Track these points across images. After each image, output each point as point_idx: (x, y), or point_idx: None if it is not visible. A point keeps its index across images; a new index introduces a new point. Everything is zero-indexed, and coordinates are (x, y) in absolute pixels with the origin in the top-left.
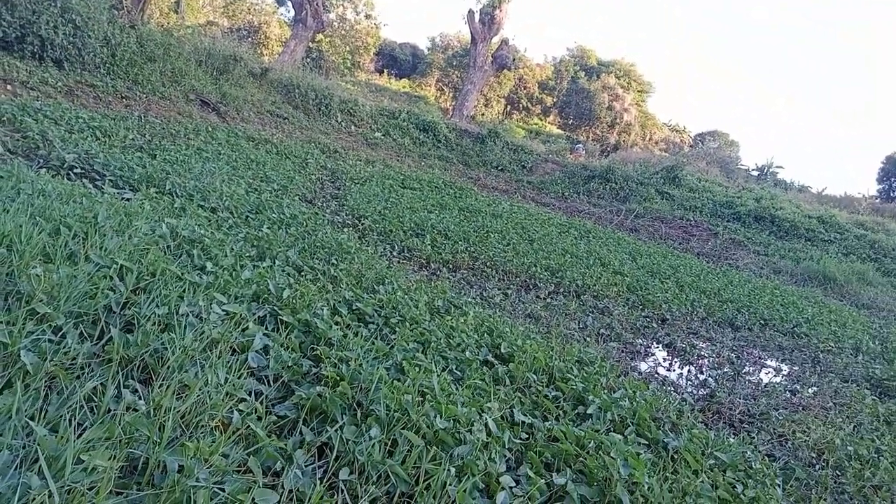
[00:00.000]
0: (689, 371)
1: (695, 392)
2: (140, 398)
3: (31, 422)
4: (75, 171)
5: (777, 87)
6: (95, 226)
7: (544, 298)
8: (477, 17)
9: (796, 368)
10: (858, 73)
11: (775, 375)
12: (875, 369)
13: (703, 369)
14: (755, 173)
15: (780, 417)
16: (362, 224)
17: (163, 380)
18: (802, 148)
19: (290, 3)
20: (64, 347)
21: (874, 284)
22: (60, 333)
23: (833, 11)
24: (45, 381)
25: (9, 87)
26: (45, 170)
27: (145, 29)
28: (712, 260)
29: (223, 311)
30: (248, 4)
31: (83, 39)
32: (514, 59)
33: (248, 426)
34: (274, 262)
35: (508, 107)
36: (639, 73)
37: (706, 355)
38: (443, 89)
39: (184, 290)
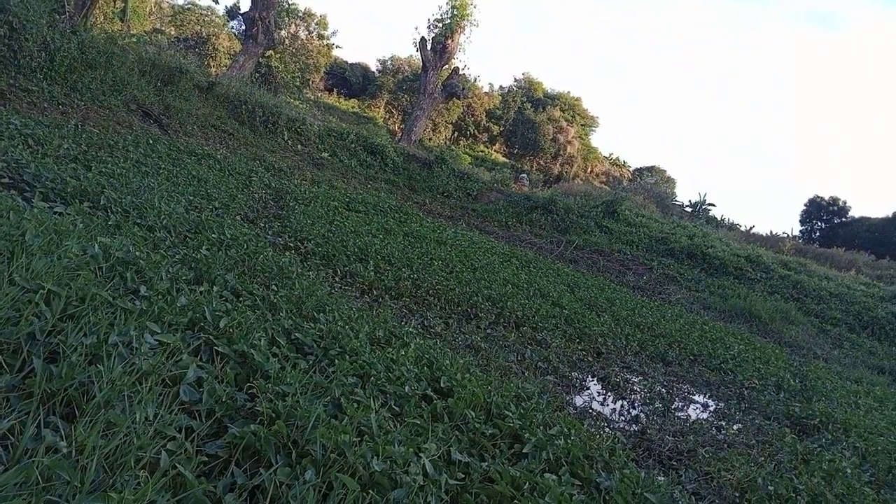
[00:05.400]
0: (622, 406)
1: (627, 428)
2: (62, 438)
3: None
4: (3, 181)
5: (712, 127)
6: (23, 245)
7: (485, 329)
8: (429, 45)
9: (722, 405)
10: (786, 120)
11: (703, 411)
12: (795, 407)
13: (636, 404)
14: (689, 209)
15: (707, 455)
16: (305, 247)
17: (88, 417)
18: (733, 186)
19: (241, 18)
20: None
21: (796, 323)
22: None
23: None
24: None
25: None
26: None
27: (87, 35)
28: (646, 294)
29: (156, 340)
30: (196, 15)
31: (20, 42)
32: (463, 89)
33: (177, 468)
34: (212, 287)
35: (456, 133)
36: (584, 107)
37: (638, 390)
38: (392, 111)
39: (115, 318)
